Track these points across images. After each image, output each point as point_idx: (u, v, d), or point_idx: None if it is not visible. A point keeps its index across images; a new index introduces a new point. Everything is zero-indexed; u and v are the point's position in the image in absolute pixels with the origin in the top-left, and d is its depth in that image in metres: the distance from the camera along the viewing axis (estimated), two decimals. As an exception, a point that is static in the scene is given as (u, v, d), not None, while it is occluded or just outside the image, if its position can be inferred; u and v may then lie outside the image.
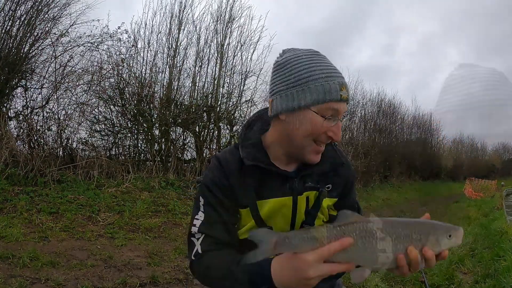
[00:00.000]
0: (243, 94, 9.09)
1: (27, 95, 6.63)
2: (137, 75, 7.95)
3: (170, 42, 8.37)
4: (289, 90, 0.93)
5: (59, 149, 6.55)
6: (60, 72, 6.82)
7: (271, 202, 1.00)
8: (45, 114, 6.66)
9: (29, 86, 6.65)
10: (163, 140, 8.07)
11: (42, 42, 6.69)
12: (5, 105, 6.36)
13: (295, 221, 1.03)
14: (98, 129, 7.56)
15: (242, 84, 9.05)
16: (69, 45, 6.98)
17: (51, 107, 6.72)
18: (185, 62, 8.56)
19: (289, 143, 0.97)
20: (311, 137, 0.93)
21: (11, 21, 6.27)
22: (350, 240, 0.71)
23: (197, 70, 8.64)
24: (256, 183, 1.00)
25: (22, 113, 6.57)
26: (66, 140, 6.72)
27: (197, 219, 1.00)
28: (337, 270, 0.74)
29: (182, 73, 8.50)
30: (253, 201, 0.99)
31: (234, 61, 8.98)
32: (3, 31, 6.22)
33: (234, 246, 1.01)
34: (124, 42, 7.82)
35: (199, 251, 0.98)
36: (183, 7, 8.48)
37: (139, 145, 8.09)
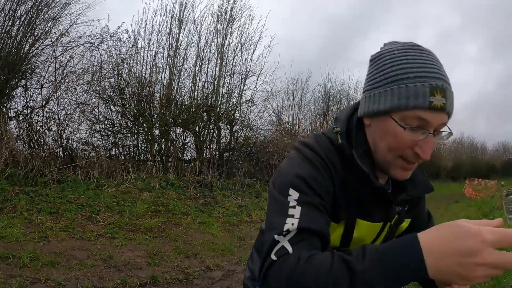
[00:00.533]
0: (243, 94, 9.11)
1: (27, 95, 6.64)
2: (137, 75, 7.96)
3: (171, 42, 8.39)
4: (373, 91, 0.78)
5: (59, 149, 6.55)
6: (60, 72, 6.83)
7: (365, 226, 0.85)
8: (45, 114, 6.68)
9: (29, 86, 6.66)
10: (163, 140, 8.08)
11: (42, 42, 6.70)
12: (5, 105, 6.37)
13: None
14: (98, 129, 7.57)
15: (242, 84, 9.07)
16: (69, 45, 6.99)
17: (51, 107, 6.73)
18: (185, 62, 8.59)
19: (375, 153, 0.82)
20: (395, 152, 0.77)
21: (11, 21, 6.28)
22: None
23: (197, 70, 8.66)
24: (358, 196, 0.82)
25: (22, 113, 6.57)
26: (66, 140, 6.73)
27: (295, 216, 0.71)
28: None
29: (182, 73, 8.52)
30: (352, 218, 0.83)
31: (234, 61, 9.01)
32: (3, 31, 6.23)
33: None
34: (124, 42, 7.84)
35: (288, 249, 0.68)
36: (183, 7, 8.50)
37: (139, 145, 8.10)
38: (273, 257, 0.68)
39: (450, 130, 0.78)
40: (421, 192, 0.93)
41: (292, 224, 0.70)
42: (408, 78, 0.73)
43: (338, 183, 0.80)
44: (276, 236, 0.70)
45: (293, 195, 0.74)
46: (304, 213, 0.72)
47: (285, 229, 0.70)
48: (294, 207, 0.73)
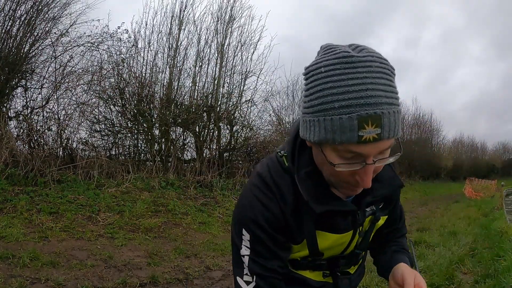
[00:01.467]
0: (243, 94, 9.11)
1: (27, 95, 6.64)
2: (137, 75, 7.96)
3: (171, 42, 8.39)
4: (305, 117, 0.72)
5: (59, 149, 6.55)
6: (60, 72, 6.83)
7: (332, 238, 0.86)
8: (45, 114, 6.68)
9: (29, 86, 6.66)
10: (163, 140, 8.08)
11: (42, 42, 6.70)
12: (5, 105, 6.37)
13: (349, 247, 0.92)
14: (98, 129, 7.57)
15: (242, 84, 9.07)
16: (69, 45, 6.99)
17: (51, 107, 6.73)
18: (185, 62, 8.58)
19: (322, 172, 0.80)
20: (336, 178, 0.75)
21: (11, 21, 6.28)
22: None
23: (197, 70, 8.66)
24: (314, 217, 0.82)
25: (22, 113, 6.57)
26: (66, 140, 6.72)
27: (247, 255, 0.83)
28: None
29: (182, 73, 8.52)
30: (312, 236, 0.84)
31: (234, 61, 9.00)
32: (3, 31, 6.22)
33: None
34: (124, 42, 7.84)
35: None
36: (184, 7, 8.50)
37: (139, 145, 8.10)
38: None
39: (398, 152, 0.73)
40: (390, 190, 0.91)
41: (247, 274, 0.82)
42: (333, 109, 0.64)
43: (288, 209, 0.81)
44: (238, 279, 0.84)
45: (246, 235, 0.82)
46: (254, 260, 0.82)
47: (244, 278, 0.83)
48: (244, 256, 0.83)
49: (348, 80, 0.63)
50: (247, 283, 0.83)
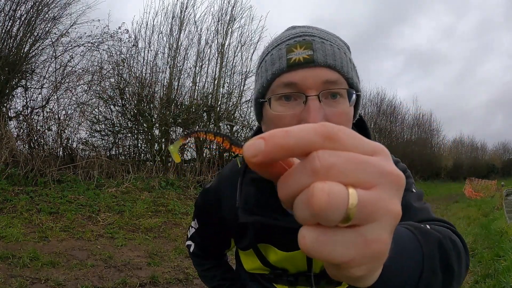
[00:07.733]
0: (243, 94, 9.11)
1: (27, 95, 6.65)
2: (137, 75, 7.96)
3: (171, 42, 8.40)
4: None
5: (59, 149, 6.55)
6: (60, 72, 6.83)
7: (280, 253, 0.73)
8: (45, 114, 6.68)
9: (29, 86, 6.66)
10: (163, 140, 8.08)
11: (42, 42, 6.71)
12: (5, 105, 6.37)
13: (312, 268, 0.75)
14: (98, 129, 7.58)
15: (242, 84, 9.07)
16: (70, 45, 7.00)
17: (51, 107, 6.74)
18: (185, 62, 8.60)
19: None
20: None
21: (11, 21, 6.28)
22: None
23: (198, 70, 8.67)
24: (259, 226, 0.71)
25: (22, 113, 6.57)
26: (66, 140, 6.73)
27: (193, 227, 0.97)
28: None
29: (182, 73, 8.53)
30: (254, 247, 0.75)
31: (234, 61, 9.01)
32: (3, 31, 6.22)
33: (221, 256, 1.02)
34: (124, 42, 7.85)
35: (191, 250, 1.01)
36: (184, 7, 8.51)
37: (139, 145, 8.10)
38: (188, 253, 1.01)
39: (349, 88, 0.57)
40: None
41: (189, 240, 0.99)
42: (268, 54, 0.60)
43: (228, 213, 0.75)
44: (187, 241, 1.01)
45: (195, 220, 0.94)
46: (194, 234, 0.96)
47: (189, 235, 0.99)
48: (190, 226, 0.99)
49: (284, 34, 0.61)
50: (189, 246, 1.00)
